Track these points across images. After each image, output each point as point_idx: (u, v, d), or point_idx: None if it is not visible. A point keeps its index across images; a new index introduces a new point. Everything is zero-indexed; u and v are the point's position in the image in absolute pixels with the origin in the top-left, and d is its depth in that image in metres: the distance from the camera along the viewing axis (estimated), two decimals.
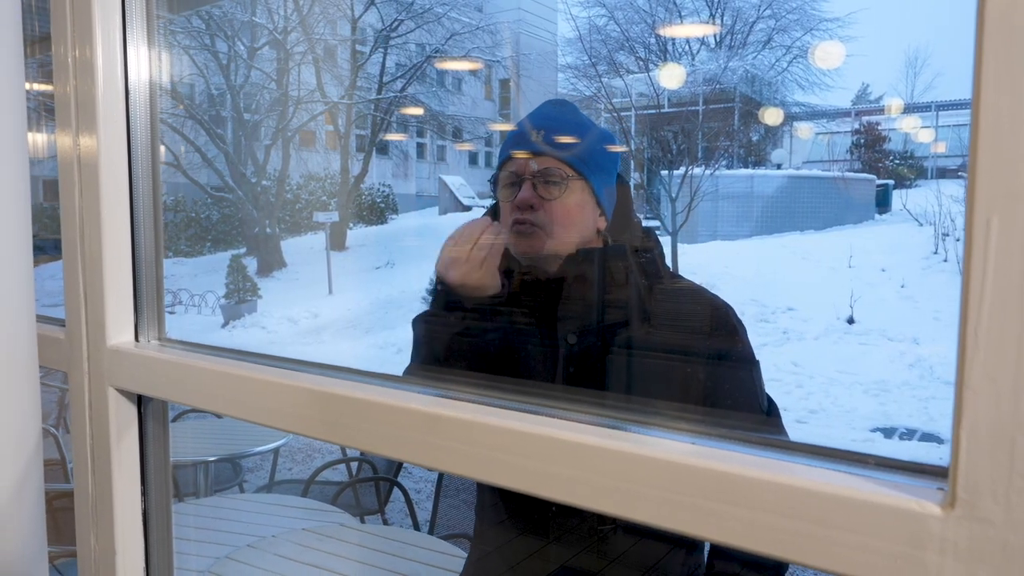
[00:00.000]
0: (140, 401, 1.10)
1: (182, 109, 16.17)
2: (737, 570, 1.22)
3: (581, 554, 1.27)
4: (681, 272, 1.38)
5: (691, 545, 1.29)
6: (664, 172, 14.05)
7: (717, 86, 17.78)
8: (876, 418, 6.80)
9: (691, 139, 15.55)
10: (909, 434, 6.44)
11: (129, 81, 1.07)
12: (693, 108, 17.04)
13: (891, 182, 16.16)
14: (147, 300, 1.11)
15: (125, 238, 1.08)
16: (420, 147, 26.68)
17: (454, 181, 23.18)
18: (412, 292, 12.33)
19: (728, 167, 15.86)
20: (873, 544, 0.43)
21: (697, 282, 1.26)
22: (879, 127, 18.35)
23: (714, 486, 0.51)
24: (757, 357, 1.21)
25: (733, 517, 0.49)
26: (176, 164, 15.22)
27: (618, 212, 1.26)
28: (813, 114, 19.55)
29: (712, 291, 1.23)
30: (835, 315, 8.83)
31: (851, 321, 8.74)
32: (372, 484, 2.79)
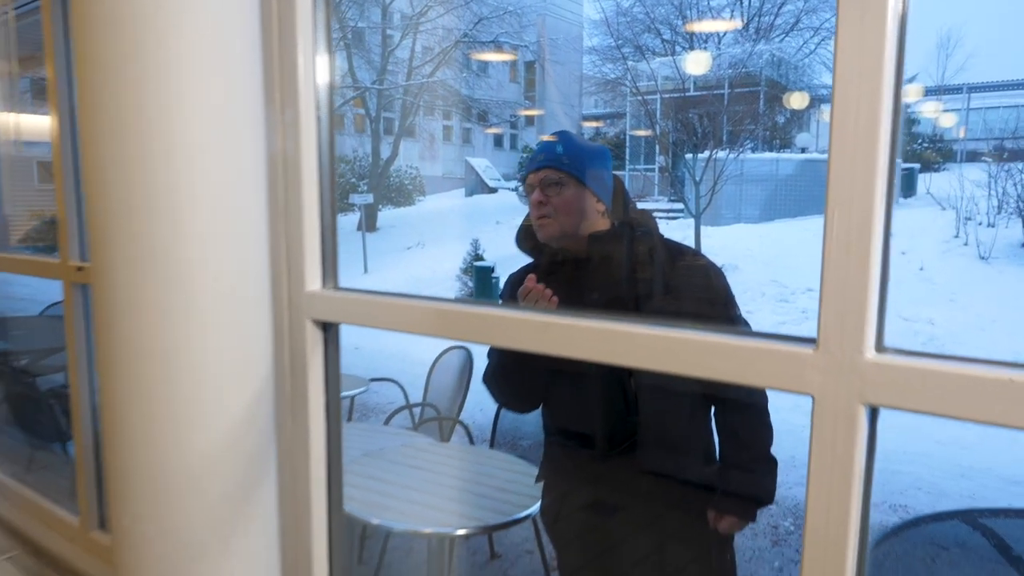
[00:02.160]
0: (325, 328, 1.54)
1: None
2: (743, 461, 1.64)
3: (617, 458, 1.71)
4: (704, 253, 1.83)
5: (708, 458, 1.72)
6: (688, 155, 14.28)
7: (743, 69, 17.89)
8: None
9: (716, 122, 15.74)
10: None
11: (317, 83, 1.50)
12: (719, 91, 17.19)
13: (916, 166, 16.26)
14: (327, 259, 1.55)
15: (315, 212, 1.52)
16: (446, 130, 26.94)
17: (480, 163, 23.49)
18: (443, 272, 12.73)
19: (753, 150, 16.03)
20: (779, 367, 0.85)
21: (703, 255, 1.73)
22: (907, 110, 18.41)
23: (680, 345, 0.93)
24: (739, 307, 1.67)
25: (694, 360, 0.92)
26: None
27: (616, 200, 1.73)
28: None
29: (706, 256, 1.72)
30: None
31: None
32: (436, 423, 3.28)
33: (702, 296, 1.65)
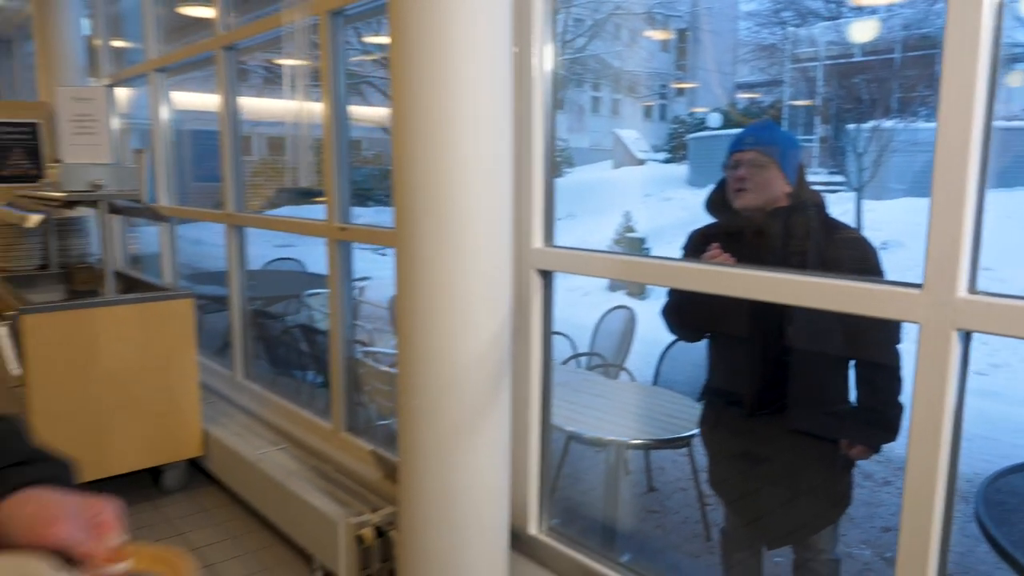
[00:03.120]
0: (544, 275, 2.04)
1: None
2: (877, 404, 1.98)
3: (767, 417, 2.10)
4: (865, 229, 2.15)
5: (845, 402, 2.08)
6: (851, 125, 13.74)
7: (918, 31, 16.79)
8: None
9: (885, 89, 14.97)
10: None
11: (545, 70, 1.98)
12: (888, 56, 16.26)
13: None
14: (547, 224, 2.04)
15: (541, 187, 2.01)
16: (595, 101, 27.00)
17: (628, 135, 23.48)
18: (594, 242, 13.12)
19: (927, 119, 15.12)
20: (898, 303, 1.24)
21: (858, 231, 2.05)
22: None
23: (830, 288, 1.33)
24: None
25: (839, 300, 1.32)
26: (380, 121, 16.86)
27: (797, 181, 2.08)
28: None
29: (864, 235, 2.04)
30: None
31: None
32: (603, 369, 3.77)
33: (855, 267, 1.98)
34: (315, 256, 6.42)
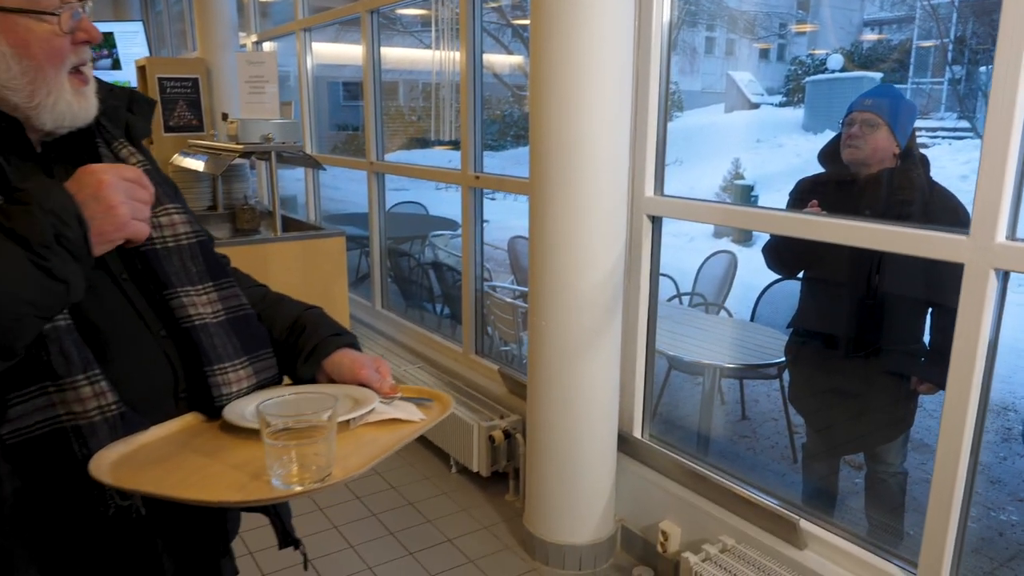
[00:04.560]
0: (653, 220, 2.39)
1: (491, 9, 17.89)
2: (949, 347, 2.23)
3: (857, 357, 2.36)
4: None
5: (919, 342, 2.32)
6: (985, 68, 12.97)
7: None
8: None
9: None
10: None
11: (663, 21, 2.30)
12: None
13: None
14: (658, 174, 2.38)
15: (654, 140, 2.34)
16: (708, 42, 26.16)
17: (742, 77, 22.73)
18: (701, 189, 13.09)
19: None
20: (948, 247, 1.53)
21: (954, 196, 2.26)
22: None
23: (898, 235, 1.62)
24: None
25: (904, 244, 1.61)
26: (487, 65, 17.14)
27: (908, 144, 2.29)
28: None
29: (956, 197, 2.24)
30: None
31: None
32: (703, 308, 4.11)
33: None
34: (430, 199, 6.93)
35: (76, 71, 0.89)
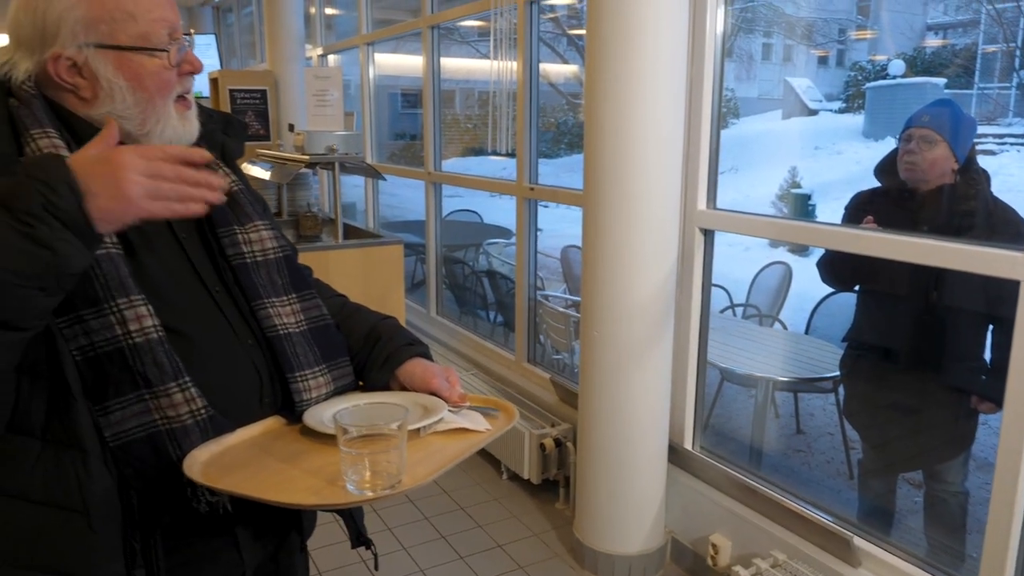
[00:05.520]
0: (705, 233, 2.41)
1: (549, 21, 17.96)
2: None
3: (916, 371, 2.33)
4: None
5: (981, 360, 2.27)
6: None
7: None
8: None
9: None
10: None
11: (717, 33, 2.31)
12: None
13: None
14: (711, 187, 2.39)
15: (707, 155, 2.36)
16: (765, 48, 25.75)
17: (800, 83, 22.31)
18: (756, 197, 12.89)
19: None
20: (1005, 264, 1.52)
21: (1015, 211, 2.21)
22: None
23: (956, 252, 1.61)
24: None
25: (962, 261, 1.60)
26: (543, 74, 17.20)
27: (967, 161, 2.26)
28: None
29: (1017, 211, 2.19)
30: None
31: None
32: (757, 319, 4.09)
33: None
34: (484, 206, 7.01)
35: (180, 97, 0.97)
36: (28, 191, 0.75)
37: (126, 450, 0.87)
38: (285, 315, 1.03)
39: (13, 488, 0.86)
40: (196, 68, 0.98)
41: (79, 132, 0.92)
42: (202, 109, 1.06)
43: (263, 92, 5.55)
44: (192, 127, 1.00)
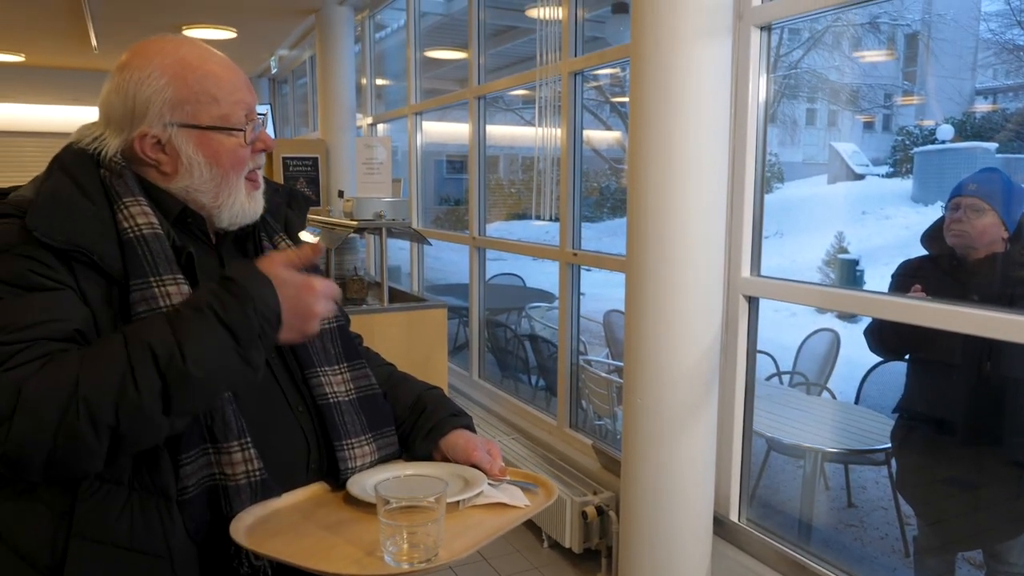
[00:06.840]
0: (750, 300, 2.39)
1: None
2: None
3: (976, 444, 2.26)
4: None
5: None
6: None
7: None
8: None
9: None
10: None
11: (760, 100, 2.34)
12: None
13: None
14: (755, 254, 2.39)
15: (750, 223, 2.37)
16: (809, 113, 25.84)
17: (846, 148, 22.25)
18: (803, 262, 12.76)
19: None
20: None
21: None
22: None
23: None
24: None
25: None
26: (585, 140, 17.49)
27: (1017, 229, 2.22)
28: None
29: None
30: None
31: None
32: (805, 388, 4.00)
33: None
34: (526, 268, 7.07)
35: (250, 174, 1.04)
36: (252, 323, 0.88)
37: (190, 503, 0.91)
38: (336, 383, 1.07)
39: (100, 534, 0.90)
40: (268, 146, 1.05)
41: (160, 202, 1.00)
42: (268, 183, 1.12)
43: (315, 160, 5.75)
44: (258, 205, 1.07)
